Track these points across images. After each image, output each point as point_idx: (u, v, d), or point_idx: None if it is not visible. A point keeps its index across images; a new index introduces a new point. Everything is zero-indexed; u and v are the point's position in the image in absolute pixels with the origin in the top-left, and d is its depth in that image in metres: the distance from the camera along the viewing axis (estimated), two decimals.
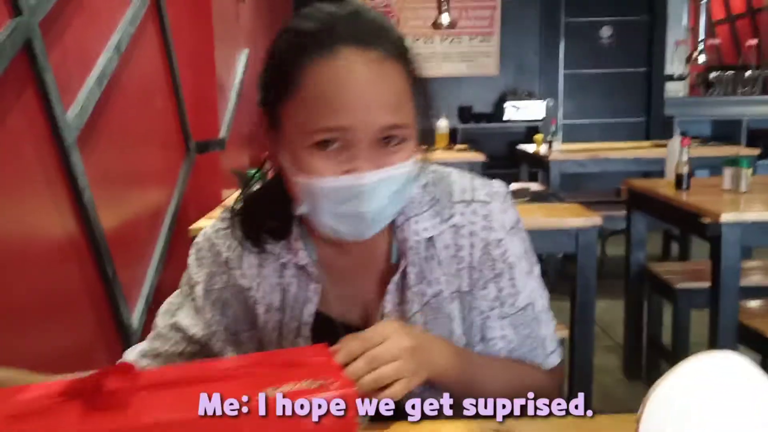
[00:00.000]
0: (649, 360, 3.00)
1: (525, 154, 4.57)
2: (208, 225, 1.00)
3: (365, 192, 0.80)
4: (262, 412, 0.61)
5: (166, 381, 0.66)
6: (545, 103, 5.47)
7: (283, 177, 0.88)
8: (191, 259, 0.98)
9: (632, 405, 0.70)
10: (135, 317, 1.84)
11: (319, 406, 0.63)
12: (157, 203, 2.16)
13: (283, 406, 0.62)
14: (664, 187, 2.78)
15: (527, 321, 0.95)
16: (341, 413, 0.63)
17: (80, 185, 1.49)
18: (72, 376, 0.64)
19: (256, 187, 1.00)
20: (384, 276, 0.93)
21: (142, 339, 1.85)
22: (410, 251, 0.91)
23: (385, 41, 0.81)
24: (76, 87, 1.55)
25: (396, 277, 0.91)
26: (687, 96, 5.90)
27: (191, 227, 2.22)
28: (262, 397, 0.62)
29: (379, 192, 0.81)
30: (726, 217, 2.24)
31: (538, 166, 4.39)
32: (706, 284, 2.44)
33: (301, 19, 0.83)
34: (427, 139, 0.88)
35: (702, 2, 1.82)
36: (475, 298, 0.93)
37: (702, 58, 5.40)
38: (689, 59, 5.58)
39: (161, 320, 0.99)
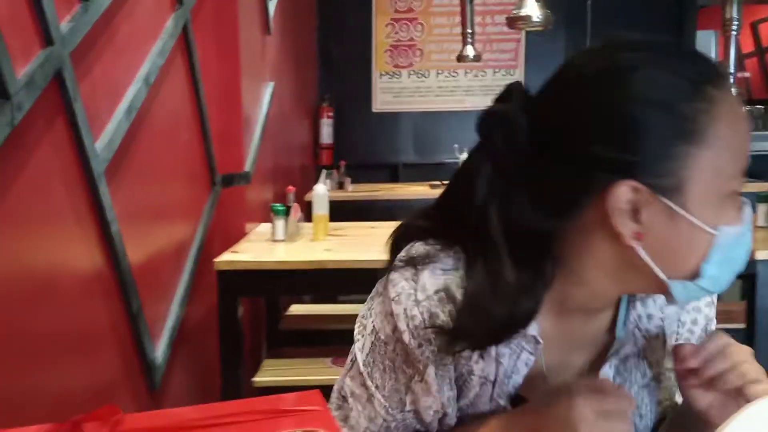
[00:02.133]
0: None
1: None
2: (405, 285, 0.82)
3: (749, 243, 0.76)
4: None
5: (149, 428, 0.62)
6: None
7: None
8: (408, 338, 0.81)
9: None
10: (159, 352, 1.81)
11: None
12: (183, 237, 2.14)
13: None
14: None
15: None
16: None
17: (108, 218, 1.47)
18: None
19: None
20: (603, 349, 0.87)
21: (165, 376, 1.83)
22: (643, 327, 0.87)
23: None
24: (106, 118, 1.54)
25: (621, 353, 0.86)
26: None
27: (216, 260, 2.20)
28: None
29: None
30: (762, 255, 2.19)
31: None
32: (740, 326, 2.38)
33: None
34: None
35: (732, 34, 1.79)
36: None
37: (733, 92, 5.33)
38: None
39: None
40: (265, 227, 2.75)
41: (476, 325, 0.77)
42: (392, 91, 5.26)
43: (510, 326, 0.78)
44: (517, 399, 0.85)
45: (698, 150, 0.70)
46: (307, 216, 2.64)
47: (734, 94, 0.73)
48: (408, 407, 0.85)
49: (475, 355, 0.82)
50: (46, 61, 1.23)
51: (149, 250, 1.80)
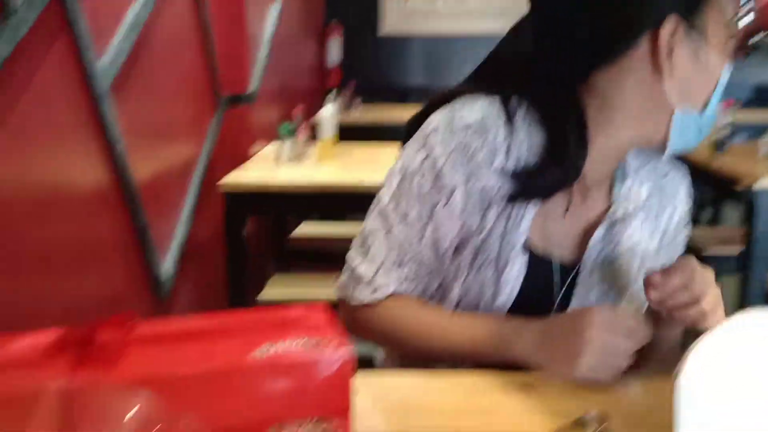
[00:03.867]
0: None
1: None
2: (442, 118, 0.90)
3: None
4: (258, 369, 0.60)
5: (161, 335, 0.65)
6: None
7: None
8: (442, 164, 0.89)
9: None
10: (166, 268, 1.86)
11: (316, 365, 0.62)
12: (188, 156, 2.16)
13: (279, 364, 0.61)
14: (699, 150, 2.72)
15: None
16: (338, 372, 0.63)
17: (113, 135, 1.49)
18: None
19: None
20: (601, 211, 0.97)
21: (173, 291, 1.89)
22: (630, 199, 0.96)
23: None
24: (109, 35, 1.53)
25: (611, 216, 0.95)
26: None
27: (221, 182, 2.23)
28: (258, 353, 0.61)
29: None
30: (763, 183, 2.20)
31: None
32: (737, 249, 2.41)
33: None
34: None
35: None
36: (658, 261, 0.98)
37: (746, 20, 5.22)
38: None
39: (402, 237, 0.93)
40: (271, 148, 2.77)
41: (527, 179, 0.88)
42: (403, 13, 5.15)
43: (561, 181, 0.89)
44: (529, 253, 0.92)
45: None
46: (314, 137, 2.65)
47: None
48: (427, 237, 0.92)
49: (499, 180, 0.89)
50: None
51: (155, 169, 1.83)
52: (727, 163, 2.47)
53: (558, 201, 0.93)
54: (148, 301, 1.77)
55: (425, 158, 0.90)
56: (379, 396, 0.79)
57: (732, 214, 4.22)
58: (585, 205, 0.96)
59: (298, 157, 2.56)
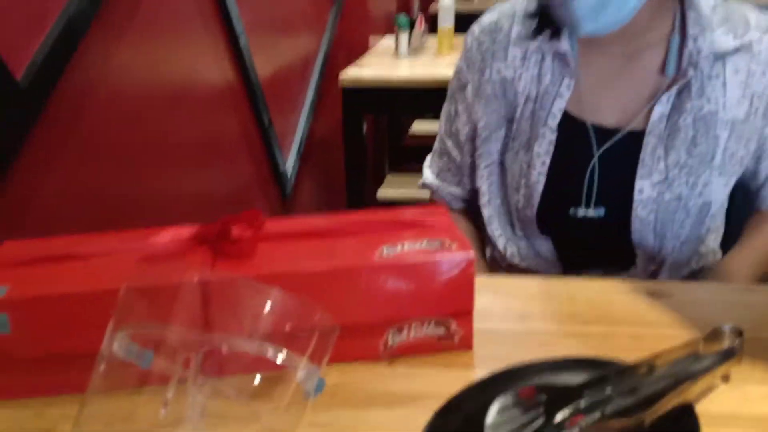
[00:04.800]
0: None
1: None
2: (472, 26, 1.05)
3: None
4: (383, 268, 0.61)
5: (290, 232, 0.67)
6: None
7: None
8: (461, 63, 1.05)
9: None
10: (289, 164, 1.91)
11: (440, 266, 0.63)
12: (307, 50, 2.16)
13: (404, 265, 0.62)
14: None
15: None
16: (461, 275, 0.63)
17: (237, 30, 1.50)
18: None
19: None
20: (654, 87, 0.94)
21: (295, 186, 1.94)
22: (697, 65, 0.90)
23: None
24: None
25: (674, 89, 0.91)
26: None
27: (340, 77, 2.22)
28: (383, 253, 0.62)
29: None
30: None
31: None
32: None
33: None
34: None
35: None
36: (747, 127, 0.94)
37: None
38: None
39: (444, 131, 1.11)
40: (389, 40, 2.72)
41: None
42: None
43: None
44: (564, 125, 0.95)
45: None
46: (432, 27, 2.57)
47: None
48: (453, 130, 1.08)
49: (518, 69, 0.97)
50: None
51: (277, 64, 1.84)
52: None
53: (596, 78, 0.95)
54: (273, 196, 1.83)
55: (457, 63, 1.07)
56: (499, 300, 0.79)
57: None
58: (639, 69, 0.94)
59: (416, 50, 2.51)
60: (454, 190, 1.12)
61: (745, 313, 0.74)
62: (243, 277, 0.57)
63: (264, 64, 1.69)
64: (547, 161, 0.97)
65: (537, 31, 0.96)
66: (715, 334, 0.62)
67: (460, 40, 2.61)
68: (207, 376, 0.50)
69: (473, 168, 1.07)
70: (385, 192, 2.60)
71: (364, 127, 2.33)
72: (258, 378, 0.52)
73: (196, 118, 1.38)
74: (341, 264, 0.63)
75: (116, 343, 0.49)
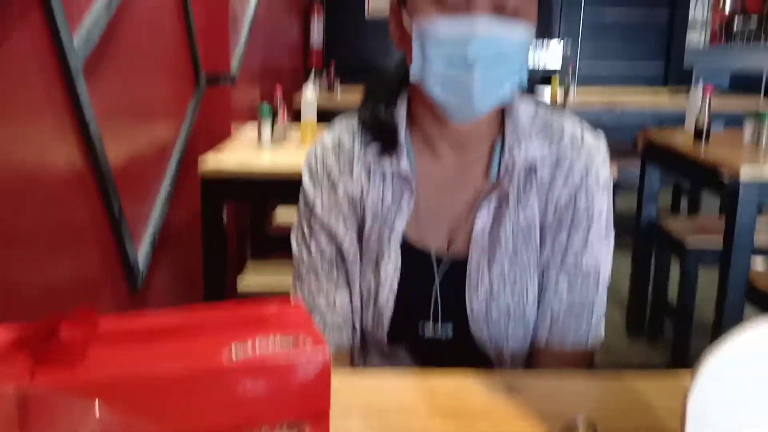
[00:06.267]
0: (652, 316, 2.98)
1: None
2: (316, 145, 1.04)
3: (477, 40, 0.81)
4: (233, 372, 0.57)
5: (128, 332, 0.61)
6: (562, 44, 5.30)
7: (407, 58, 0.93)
8: (306, 182, 1.02)
9: (633, 360, 0.67)
10: (141, 255, 1.82)
11: (295, 368, 0.59)
12: (166, 137, 2.10)
13: (257, 367, 0.58)
14: (681, 139, 2.71)
15: (585, 285, 0.94)
16: (317, 375, 0.60)
17: (87, 116, 1.43)
18: None
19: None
20: (479, 194, 0.94)
21: (147, 279, 1.84)
22: (515, 173, 0.91)
23: None
24: (84, 10, 1.48)
25: (493, 197, 0.92)
26: (708, 46, 5.79)
27: (200, 166, 2.17)
28: (233, 354, 0.58)
29: (489, 47, 0.82)
30: (745, 173, 2.19)
31: None
32: (717, 240, 2.40)
33: None
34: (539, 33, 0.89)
35: None
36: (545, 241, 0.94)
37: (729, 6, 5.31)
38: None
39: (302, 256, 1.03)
40: (251, 128, 2.71)
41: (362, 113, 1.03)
42: None
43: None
44: (405, 247, 0.96)
45: None
46: (296, 117, 2.59)
47: None
48: (313, 249, 1.01)
49: (364, 186, 0.97)
50: None
51: (130, 151, 1.77)
52: (710, 152, 2.46)
53: (432, 191, 0.96)
54: (121, 290, 1.72)
55: (302, 188, 1.02)
56: (357, 396, 0.76)
57: (711, 203, 4.22)
58: (464, 186, 0.96)
59: (278, 140, 2.51)
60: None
61: (601, 401, 0.76)
62: (66, 387, 0.50)
63: (117, 151, 1.62)
64: (395, 283, 0.96)
65: (379, 152, 0.97)
66: (568, 427, 0.62)
67: (323, 129, 2.66)
68: None
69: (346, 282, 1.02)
70: (246, 281, 2.53)
71: (224, 215, 2.28)
72: None
73: (38, 206, 1.29)
74: (185, 367, 0.58)
75: None
